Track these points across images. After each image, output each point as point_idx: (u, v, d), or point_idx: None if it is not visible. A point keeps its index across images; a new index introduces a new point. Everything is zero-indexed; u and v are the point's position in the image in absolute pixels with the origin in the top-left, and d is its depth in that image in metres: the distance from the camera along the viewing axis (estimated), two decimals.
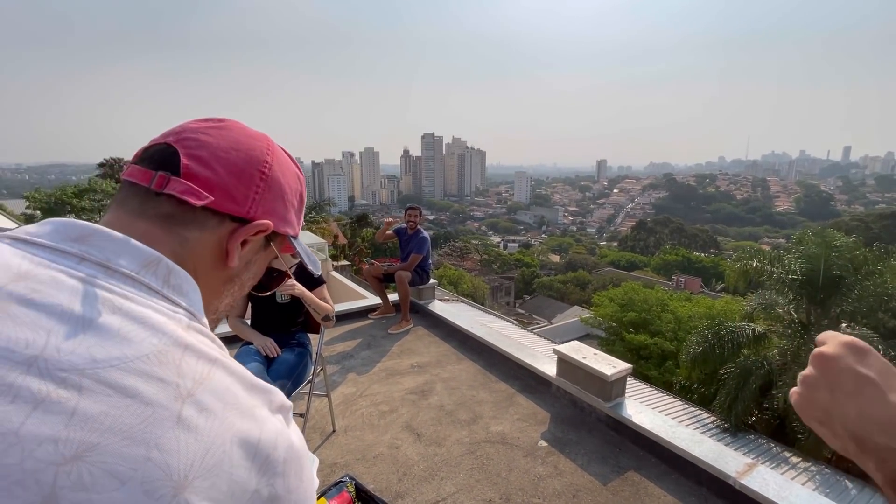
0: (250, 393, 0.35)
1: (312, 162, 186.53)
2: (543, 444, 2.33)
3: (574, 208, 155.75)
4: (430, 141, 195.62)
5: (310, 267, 0.53)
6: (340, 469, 2.09)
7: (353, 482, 1.21)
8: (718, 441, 9.73)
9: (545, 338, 16.09)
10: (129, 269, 0.35)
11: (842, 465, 8.91)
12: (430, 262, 4.20)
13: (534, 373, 2.93)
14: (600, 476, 2.08)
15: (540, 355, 3.12)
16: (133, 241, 0.37)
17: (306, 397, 2.25)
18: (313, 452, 2.19)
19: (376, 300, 4.37)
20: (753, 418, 10.26)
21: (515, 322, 22.90)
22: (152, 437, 0.28)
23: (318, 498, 1.17)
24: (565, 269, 57.48)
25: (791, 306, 10.26)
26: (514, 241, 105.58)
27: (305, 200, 0.53)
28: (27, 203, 24.84)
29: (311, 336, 2.42)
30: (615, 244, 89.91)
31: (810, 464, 8.63)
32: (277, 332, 2.22)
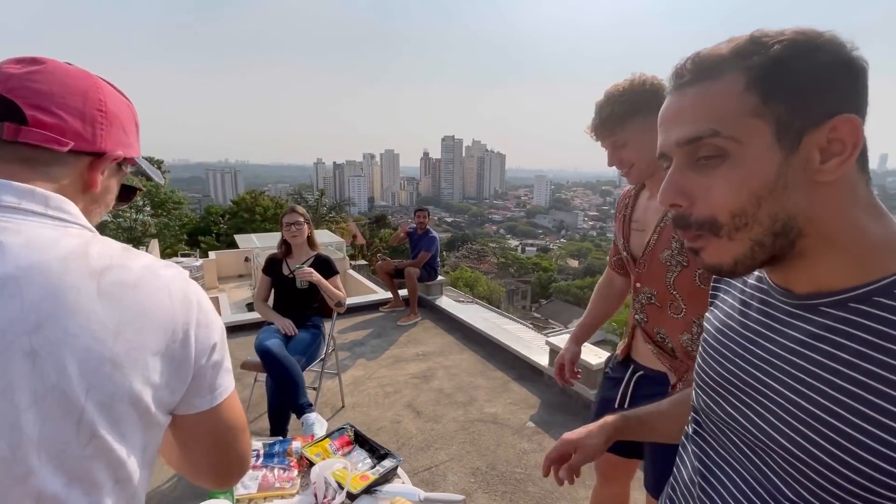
0: (149, 264, 0.50)
1: (334, 163, 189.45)
2: (531, 424, 2.55)
3: (594, 213, 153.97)
4: (450, 143, 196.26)
5: (154, 178, 0.66)
6: None
7: (353, 428, 1.47)
8: None
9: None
10: (11, 202, 0.45)
11: None
12: (439, 260, 4.45)
13: (528, 362, 3.14)
14: None
15: (535, 347, 3.33)
16: (7, 181, 0.46)
17: (319, 373, 2.53)
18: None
19: (388, 295, 4.64)
20: None
21: (531, 326, 22.99)
22: (86, 306, 0.43)
23: (324, 439, 1.43)
24: (583, 274, 56.86)
25: None
26: (532, 244, 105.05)
27: (139, 123, 0.61)
28: None
29: (328, 322, 2.69)
30: None
31: None
32: (296, 314, 2.49)
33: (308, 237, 2.58)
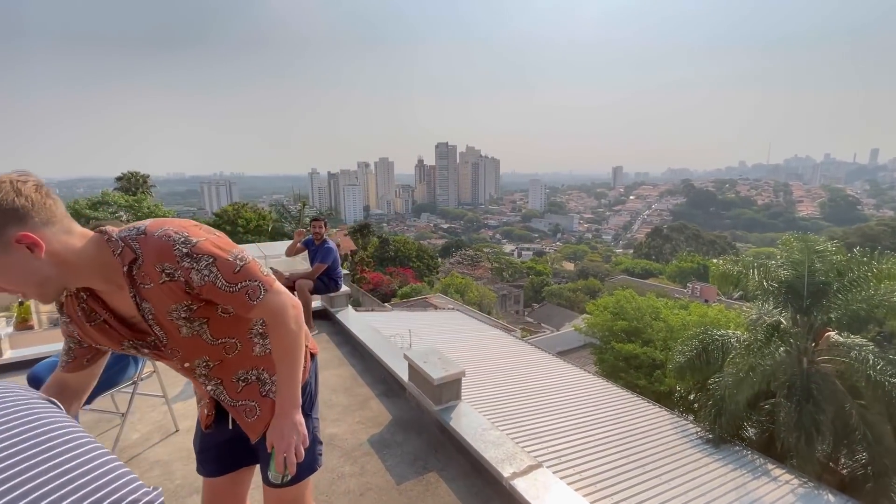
0: None
1: (328, 172, 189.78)
2: (366, 446, 2.41)
3: (589, 215, 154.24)
4: (444, 150, 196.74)
5: None
6: (161, 466, 2.20)
7: None
8: (702, 452, 9.50)
9: (539, 347, 15.98)
10: None
11: (831, 482, 8.61)
12: (340, 270, 4.31)
13: (395, 377, 3.00)
14: (399, 477, 2.14)
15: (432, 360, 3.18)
16: None
17: (131, 396, 2.38)
18: (147, 450, 2.32)
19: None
20: (753, 431, 9.95)
21: (518, 331, 22.69)
22: None
23: None
24: (577, 277, 56.79)
25: (777, 313, 9.98)
26: (528, 248, 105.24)
27: None
28: None
29: None
30: (631, 251, 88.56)
31: (794, 477, 8.38)
32: None
33: None
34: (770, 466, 8.72)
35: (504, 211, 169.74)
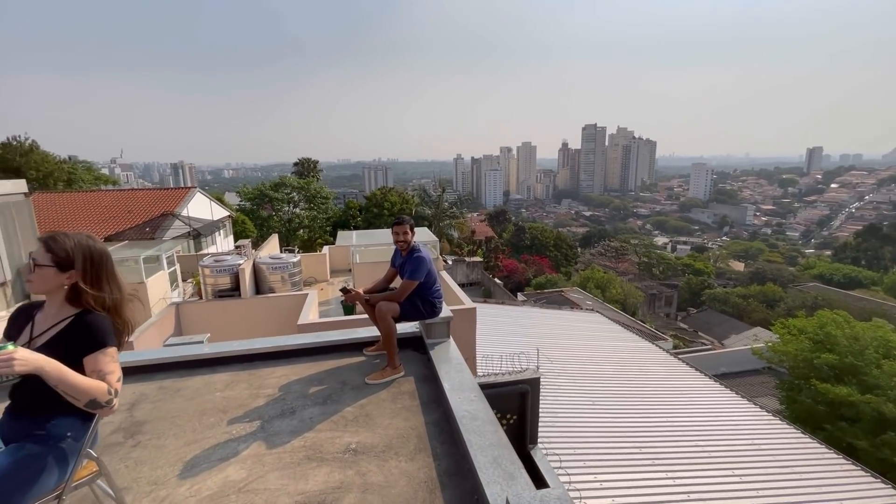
0: None
1: (472, 158, 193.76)
2: None
3: (770, 207, 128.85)
4: (591, 132, 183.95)
5: None
6: None
7: None
8: None
9: (695, 366, 13.00)
10: None
11: None
12: (439, 286, 3.09)
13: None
14: None
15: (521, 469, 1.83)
16: None
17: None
18: None
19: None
20: None
21: (668, 340, 19.34)
22: None
23: None
24: (749, 280, 47.80)
25: None
26: (685, 242, 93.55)
27: None
28: (238, 196, 32.77)
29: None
30: (828, 253, 71.80)
31: None
32: (21, 418, 1.49)
33: (74, 289, 1.52)
34: None
35: (658, 199, 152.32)
